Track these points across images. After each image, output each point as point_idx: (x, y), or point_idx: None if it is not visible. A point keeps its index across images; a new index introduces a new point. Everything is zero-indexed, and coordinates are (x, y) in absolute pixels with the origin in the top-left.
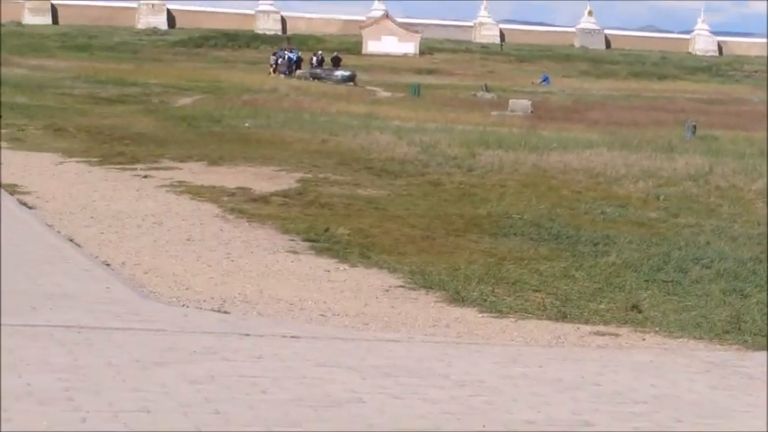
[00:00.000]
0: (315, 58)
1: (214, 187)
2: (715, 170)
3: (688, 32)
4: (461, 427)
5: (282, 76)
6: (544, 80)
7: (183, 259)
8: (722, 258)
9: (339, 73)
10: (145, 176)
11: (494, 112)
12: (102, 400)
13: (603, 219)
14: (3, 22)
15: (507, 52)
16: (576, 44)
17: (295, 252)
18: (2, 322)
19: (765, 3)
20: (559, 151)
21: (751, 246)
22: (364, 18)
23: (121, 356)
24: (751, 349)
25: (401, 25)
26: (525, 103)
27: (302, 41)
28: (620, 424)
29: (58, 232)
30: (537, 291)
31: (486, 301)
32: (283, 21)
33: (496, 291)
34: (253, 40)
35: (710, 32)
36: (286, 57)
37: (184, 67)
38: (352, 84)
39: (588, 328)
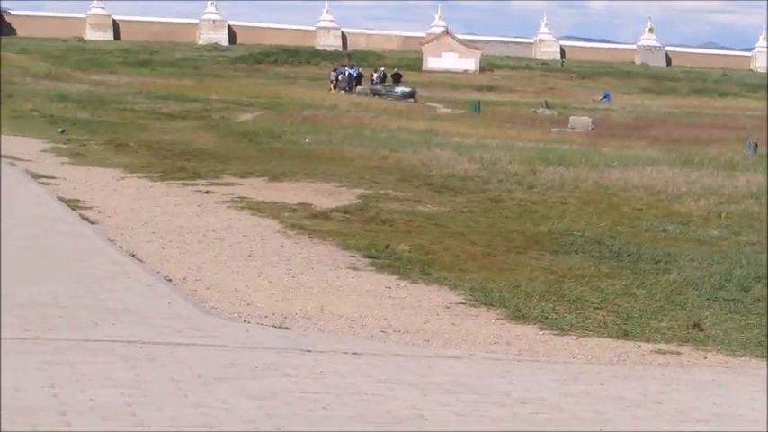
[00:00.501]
0: (376, 75)
1: (275, 203)
2: None
3: (749, 50)
4: None
5: (343, 92)
6: (605, 97)
7: (244, 275)
8: None
9: (399, 89)
10: (206, 192)
11: (554, 129)
12: (164, 416)
13: (665, 236)
14: (65, 37)
15: (568, 69)
16: (637, 61)
17: (356, 268)
18: (65, 337)
19: None
20: (620, 168)
21: None
22: (424, 34)
23: (183, 372)
24: None
25: (461, 42)
26: (586, 119)
27: (362, 58)
28: None
29: (120, 247)
30: (598, 308)
31: (547, 318)
32: (344, 37)
33: (557, 308)
34: (313, 56)
35: None
36: (346, 73)
37: (245, 82)
38: (412, 100)
39: (650, 346)
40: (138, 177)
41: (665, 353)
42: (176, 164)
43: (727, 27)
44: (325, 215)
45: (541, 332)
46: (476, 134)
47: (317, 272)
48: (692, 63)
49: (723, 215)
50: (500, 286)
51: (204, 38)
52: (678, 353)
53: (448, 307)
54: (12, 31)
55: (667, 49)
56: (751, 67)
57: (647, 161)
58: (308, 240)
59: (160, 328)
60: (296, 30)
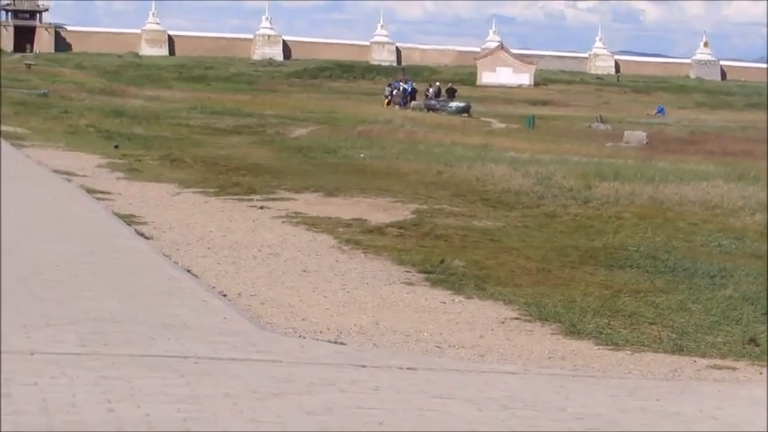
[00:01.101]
0: (430, 89)
1: (330, 218)
2: None
3: None
4: None
5: (397, 107)
6: (659, 111)
7: (299, 290)
8: None
9: (454, 104)
10: (261, 207)
11: (609, 144)
12: (220, 431)
13: (720, 251)
14: (120, 53)
15: (623, 83)
16: (692, 75)
17: (410, 283)
18: (121, 352)
19: None
20: (675, 183)
21: None
22: (479, 49)
23: (238, 387)
24: None
25: (516, 56)
26: (640, 134)
27: (417, 72)
28: None
29: (176, 263)
30: (653, 323)
31: (602, 333)
32: (398, 52)
33: (612, 323)
34: (368, 71)
35: None
36: (401, 88)
37: (300, 97)
38: (466, 115)
39: (705, 361)
40: (193, 193)
41: (720, 368)
42: (231, 179)
43: None
44: (379, 230)
45: (596, 347)
46: (530, 149)
47: (371, 287)
48: (746, 77)
49: None
50: (555, 301)
51: (259, 53)
52: (734, 368)
53: (503, 322)
54: (68, 47)
55: (722, 63)
56: None
57: (703, 176)
58: (362, 255)
59: (215, 344)
60: (351, 45)
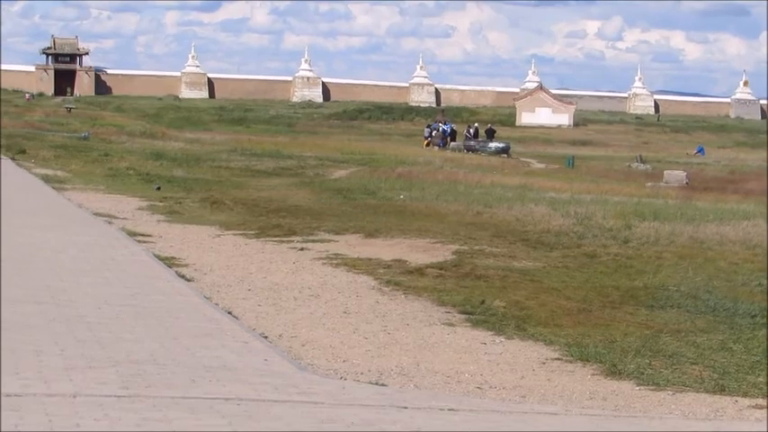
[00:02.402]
0: (470, 130)
1: (370, 260)
2: None
3: None
4: None
5: (437, 148)
6: (699, 151)
7: (339, 332)
8: None
9: (493, 145)
10: (301, 249)
11: (649, 184)
12: None
13: (761, 290)
14: (160, 96)
15: (662, 123)
16: (732, 114)
17: (451, 324)
18: (163, 394)
19: None
20: (716, 222)
21: None
22: (518, 90)
23: (280, 429)
24: None
25: (555, 97)
26: (680, 174)
27: (456, 113)
28: None
29: (216, 304)
30: (694, 363)
31: (643, 373)
32: (437, 93)
33: (653, 363)
34: (407, 112)
35: None
36: (440, 129)
37: (339, 139)
38: (506, 155)
39: (747, 401)
40: (234, 234)
41: (762, 408)
42: (271, 221)
43: None
44: (419, 271)
45: (638, 387)
46: (570, 189)
47: (412, 328)
48: None
49: None
50: (595, 341)
51: (298, 95)
52: None
53: (543, 363)
54: (108, 90)
55: (762, 102)
56: None
57: (743, 215)
58: (403, 297)
59: (257, 385)
60: (390, 86)
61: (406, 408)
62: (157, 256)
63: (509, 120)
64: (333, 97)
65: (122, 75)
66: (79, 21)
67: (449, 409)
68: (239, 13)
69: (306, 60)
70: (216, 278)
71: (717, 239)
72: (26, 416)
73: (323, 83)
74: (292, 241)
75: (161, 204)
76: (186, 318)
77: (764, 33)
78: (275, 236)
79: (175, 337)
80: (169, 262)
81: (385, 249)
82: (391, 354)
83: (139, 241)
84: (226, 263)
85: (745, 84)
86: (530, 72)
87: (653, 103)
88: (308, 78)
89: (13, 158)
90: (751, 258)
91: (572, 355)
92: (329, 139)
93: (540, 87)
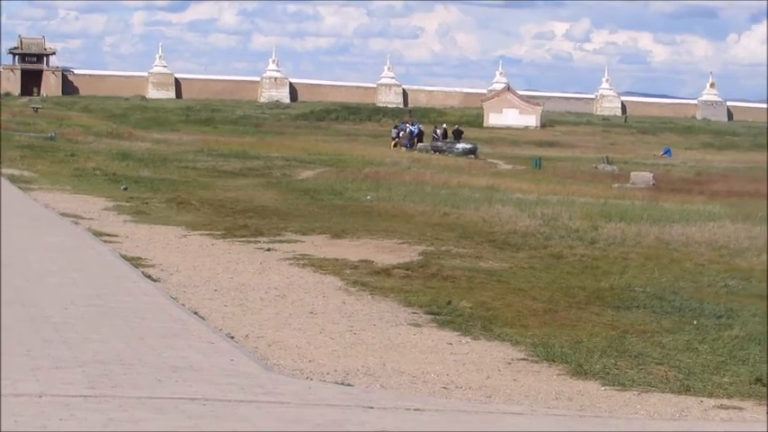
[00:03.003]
0: (438, 131)
1: (337, 260)
2: None
3: None
4: None
5: (404, 148)
6: (666, 152)
7: (306, 332)
8: None
9: (460, 146)
10: (268, 250)
11: (615, 185)
12: None
13: (727, 292)
14: (127, 96)
15: (629, 124)
16: (698, 116)
17: (417, 325)
18: (129, 394)
19: None
20: (682, 224)
21: None
22: (486, 91)
23: (247, 429)
24: None
25: (522, 98)
26: (647, 175)
27: (423, 114)
28: None
29: (183, 305)
30: (660, 364)
31: (608, 374)
32: (405, 94)
33: (619, 364)
34: (374, 113)
35: None
36: (407, 129)
37: (306, 140)
38: (473, 156)
39: (712, 401)
40: (201, 235)
41: (727, 408)
42: (238, 221)
43: None
44: (386, 272)
45: (603, 388)
46: (537, 190)
47: (378, 328)
48: (753, 118)
49: None
50: (562, 342)
51: (266, 95)
52: (740, 408)
53: (509, 363)
54: (75, 91)
55: (729, 103)
56: None
57: (709, 216)
58: (369, 297)
59: (223, 386)
60: (357, 87)
61: (372, 408)
62: (124, 257)
63: (476, 121)
64: (300, 98)
65: (89, 75)
66: (46, 21)
67: (415, 409)
68: (207, 13)
69: (273, 61)
70: (182, 278)
71: (683, 241)
72: None
73: (290, 83)
74: (259, 242)
75: (128, 205)
76: (152, 318)
77: (732, 35)
78: (242, 236)
79: (142, 337)
80: (135, 262)
81: (352, 250)
82: (357, 354)
83: (106, 241)
84: (192, 263)
85: (712, 85)
86: (497, 73)
87: (620, 105)
88: (275, 79)
89: None
90: (717, 259)
91: (538, 356)
92: (296, 139)
93: (508, 88)
